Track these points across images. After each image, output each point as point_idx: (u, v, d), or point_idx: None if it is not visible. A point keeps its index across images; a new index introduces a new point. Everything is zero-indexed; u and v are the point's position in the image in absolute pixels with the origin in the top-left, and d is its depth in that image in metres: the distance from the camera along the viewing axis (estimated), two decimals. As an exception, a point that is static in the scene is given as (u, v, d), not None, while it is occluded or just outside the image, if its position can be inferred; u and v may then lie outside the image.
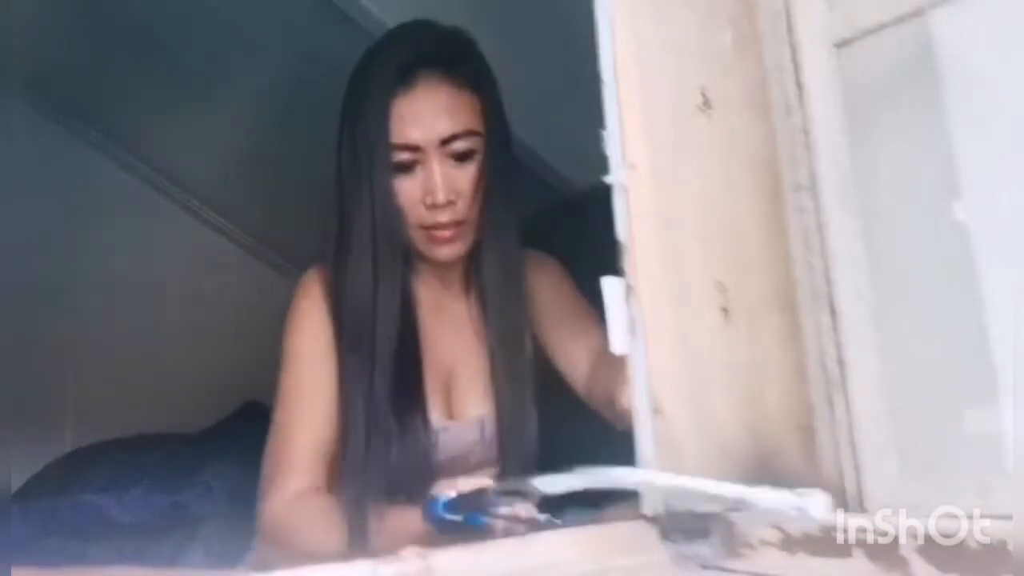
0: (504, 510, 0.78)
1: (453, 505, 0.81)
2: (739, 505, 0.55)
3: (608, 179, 0.64)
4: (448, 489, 0.84)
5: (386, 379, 1.02)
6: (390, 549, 0.54)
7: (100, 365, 2.04)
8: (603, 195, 0.65)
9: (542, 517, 0.74)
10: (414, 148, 1.02)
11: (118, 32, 1.84)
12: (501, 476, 1.07)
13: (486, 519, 0.79)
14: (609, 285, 0.63)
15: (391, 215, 1.03)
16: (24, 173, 1.88)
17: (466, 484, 0.85)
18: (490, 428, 1.09)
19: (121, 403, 1.96)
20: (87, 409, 2.01)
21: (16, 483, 1.62)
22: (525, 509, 0.78)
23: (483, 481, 0.85)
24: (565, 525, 0.67)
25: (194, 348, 2.09)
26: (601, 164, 0.64)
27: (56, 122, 2.05)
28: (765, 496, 0.53)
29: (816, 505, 0.52)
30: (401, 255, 1.06)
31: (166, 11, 1.79)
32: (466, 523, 0.80)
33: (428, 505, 0.84)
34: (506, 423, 1.08)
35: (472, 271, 1.13)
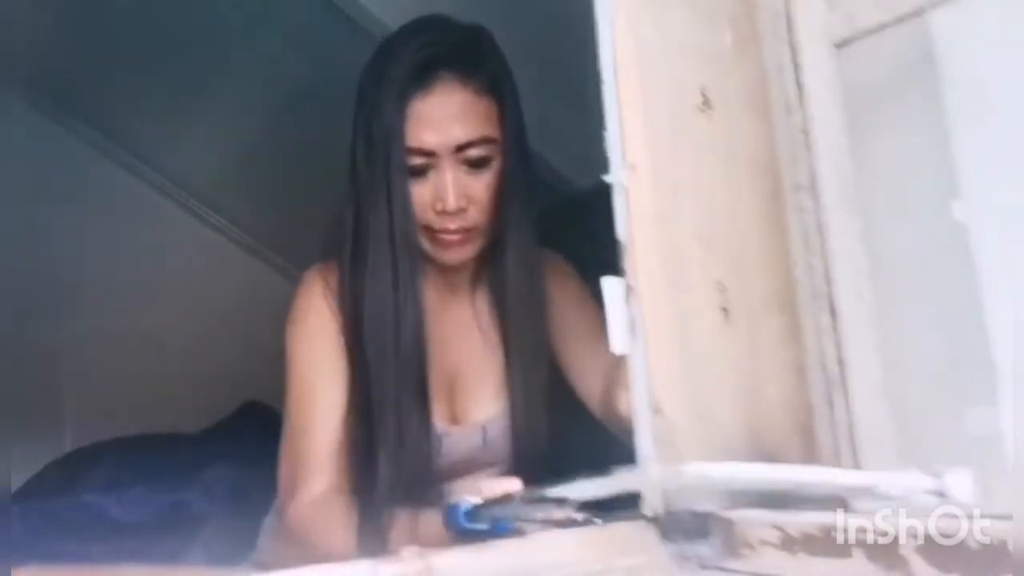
0: (539, 514, 0.75)
1: (475, 513, 0.78)
2: (863, 493, 0.51)
3: (608, 179, 0.64)
4: (469, 494, 0.81)
5: (397, 384, 1.01)
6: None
7: (100, 365, 2.04)
8: (604, 195, 0.65)
9: (580, 516, 0.71)
10: (428, 153, 0.99)
11: (118, 32, 1.84)
12: (520, 474, 1.06)
13: (512, 526, 0.75)
14: (609, 285, 0.63)
15: (410, 218, 1.01)
16: (24, 173, 1.88)
17: (489, 487, 0.81)
18: (493, 432, 1.08)
19: (121, 403, 1.96)
20: (87, 409, 2.01)
21: (16, 483, 1.62)
22: (561, 512, 0.76)
23: (510, 483, 0.81)
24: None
25: (194, 348, 2.09)
26: (601, 164, 0.64)
27: (56, 122, 2.06)
28: (895, 482, 0.48)
29: (960, 486, 0.46)
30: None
31: (166, 11, 1.79)
32: (494, 532, 0.77)
33: (449, 513, 0.80)
34: (520, 425, 1.06)
35: (481, 274, 1.11)
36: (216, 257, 2.22)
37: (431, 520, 0.87)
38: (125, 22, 1.82)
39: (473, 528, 0.78)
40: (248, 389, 1.89)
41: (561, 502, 0.66)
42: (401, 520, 0.93)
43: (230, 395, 1.92)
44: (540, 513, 0.72)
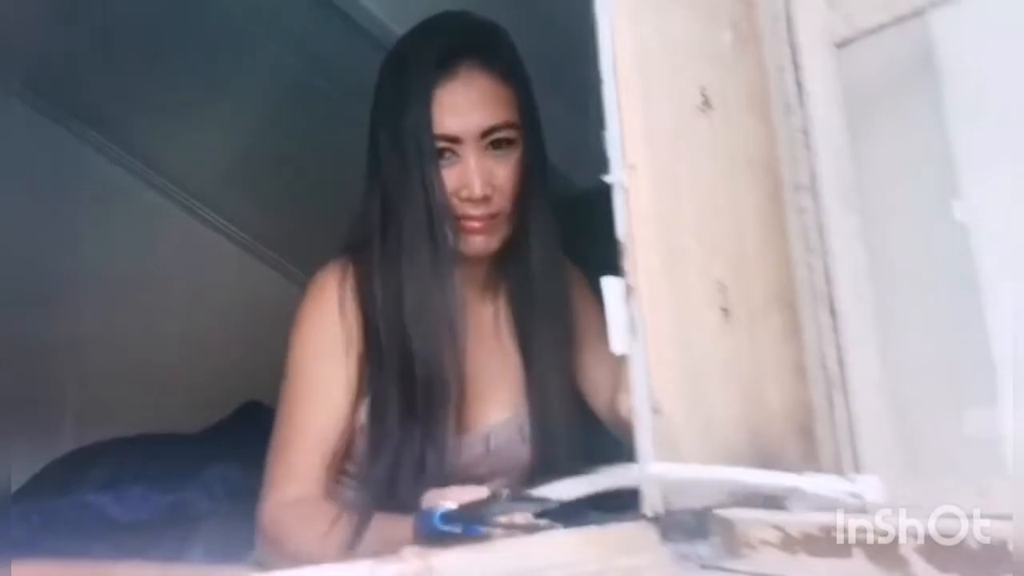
0: (501, 518, 0.76)
1: (450, 517, 0.79)
2: (787, 493, 0.54)
3: (608, 179, 0.64)
4: (439, 499, 0.81)
5: (418, 386, 1.00)
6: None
7: (100, 365, 2.04)
8: (604, 195, 0.65)
9: (542, 523, 0.72)
10: (452, 139, 1.00)
11: (118, 32, 1.84)
12: (538, 482, 1.05)
13: (483, 528, 0.77)
14: (609, 285, 0.63)
15: (444, 204, 1.01)
16: (24, 173, 1.88)
17: (457, 493, 0.82)
18: (496, 441, 1.07)
19: (121, 403, 1.96)
20: (87, 409, 2.01)
21: (16, 483, 1.62)
22: (523, 516, 0.76)
23: (477, 490, 0.83)
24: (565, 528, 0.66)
25: (194, 348, 2.09)
26: (601, 164, 0.64)
27: (56, 122, 2.06)
28: (813, 483, 0.52)
29: (870, 489, 0.50)
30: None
31: (166, 11, 1.79)
32: (463, 534, 0.78)
33: (422, 518, 0.81)
34: (544, 429, 1.06)
35: (503, 278, 1.11)
36: (216, 257, 2.22)
37: (401, 523, 0.86)
38: (125, 22, 1.82)
39: (446, 531, 0.78)
40: (248, 389, 1.89)
41: (541, 502, 0.67)
42: (376, 523, 0.92)
43: (230, 395, 1.92)
44: (504, 519, 0.73)
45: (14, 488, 1.58)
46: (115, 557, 1.32)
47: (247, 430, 1.78)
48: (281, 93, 1.93)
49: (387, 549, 0.83)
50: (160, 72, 1.88)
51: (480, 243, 1.04)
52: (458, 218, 1.02)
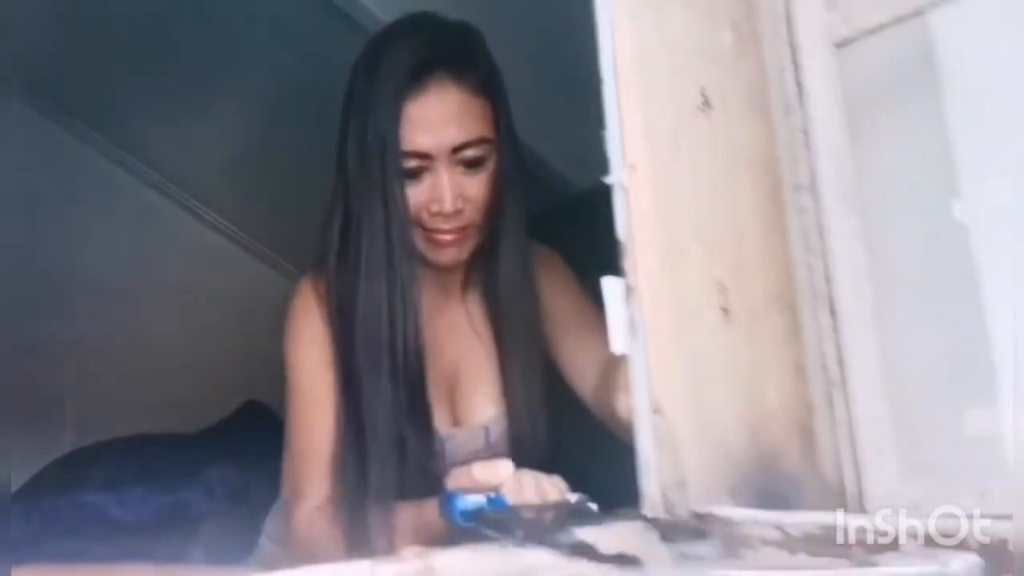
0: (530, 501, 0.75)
1: (470, 516, 0.79)
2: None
3: (608, 179, 0.64)
4: (464, 477, 0.82)
5: (394, 391, 1.00)
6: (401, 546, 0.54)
7: (100, 365, 2.04)
8: (604, 195, 0.65)
9: (573, 498, 0.71)
10: (423, 155, 0.98)
11: (118, 32, 1.84)
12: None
13: (510, 507, 0.76)
14: (609, 285, 0.63)
15: (406, 221, 1.00)
16: (24, 173, 1.88)
17: (481, 471, 0.82)
18: (495, 432, 1.08)
19: (121, 403, 1.96)
20: (87, 409, 2.01)
21: (16, 483, 1.62)
22: (556, 490, 0.75)
23: (504, 466, 0.82)
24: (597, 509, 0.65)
25: (194, 348, 2.09)
26: (601, 164, 0.64)
27: (56, 122, 2.05)
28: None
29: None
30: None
31: (166, 11, 1.79)
32: (489, 510, 0.77)
33: (445, 504, 0.82)
34: (518, 424, 1.07)
35: (473, 275, 1.11)
36: (216, 257, 2.22)
37: (425, 508, 0.88)
38: (125, 22, 1.82)
39: (465, 526, 0.79)
40: (248, 389, 1.89)
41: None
42: (404, 513, 0.93)
43: (230, 395, 1.92)
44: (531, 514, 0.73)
45: (14, 488, 1.58)
46: (115, 558, 1.32)
47: (247, 430, 1.78)
48: (281, 93, 1.93)
49: (416, 536, 0.83)
50: (160, 72, 1.88)
51: (451, 255, 1.03)
52: (428, 230, 1.01)
